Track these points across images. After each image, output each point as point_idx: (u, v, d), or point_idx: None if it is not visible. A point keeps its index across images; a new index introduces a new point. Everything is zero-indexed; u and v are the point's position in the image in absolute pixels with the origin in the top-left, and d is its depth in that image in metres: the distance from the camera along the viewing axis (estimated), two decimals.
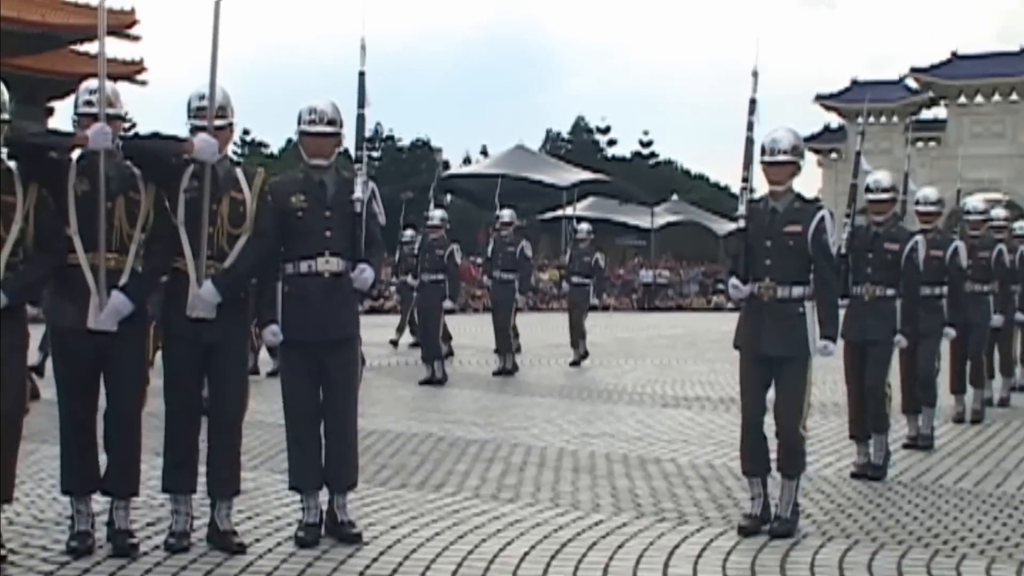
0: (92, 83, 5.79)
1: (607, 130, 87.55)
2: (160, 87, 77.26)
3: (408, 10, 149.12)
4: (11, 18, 38.78)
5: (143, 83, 47.72)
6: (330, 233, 6.08)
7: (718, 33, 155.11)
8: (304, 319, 6.06)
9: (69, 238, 5.59)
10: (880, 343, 8.15)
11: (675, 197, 66.03)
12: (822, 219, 6.46)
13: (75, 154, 5.71)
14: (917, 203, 9.63)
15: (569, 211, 46.79)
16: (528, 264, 16.55)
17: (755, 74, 6.67)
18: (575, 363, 17.01)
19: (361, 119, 6.38)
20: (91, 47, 45.26)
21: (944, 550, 6.01)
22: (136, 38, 45.75)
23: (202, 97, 5.92)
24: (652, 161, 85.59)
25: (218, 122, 5.89)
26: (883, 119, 59.32)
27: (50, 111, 46.76)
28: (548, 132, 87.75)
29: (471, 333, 18.01)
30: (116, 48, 46.11)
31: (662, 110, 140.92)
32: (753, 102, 6.65)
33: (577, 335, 17.22)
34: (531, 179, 47.86)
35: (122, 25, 44.78)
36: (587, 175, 53.60)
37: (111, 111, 5.72)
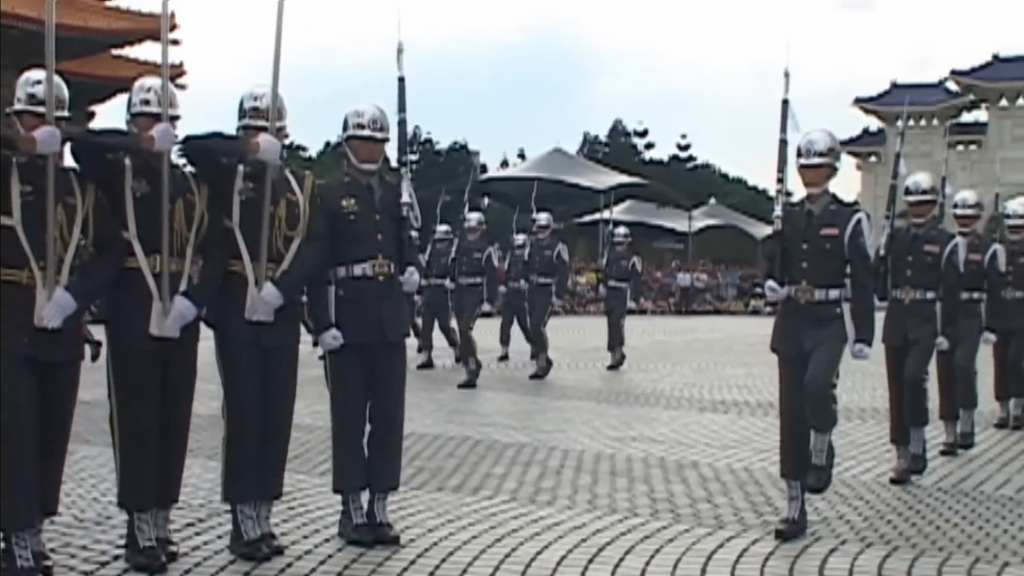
0: (147, 81, 5.71)
1: (645, 133, 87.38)
2: (199, 90, 77.71)
3: (444, 13, 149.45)
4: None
5: (183, 87, 48.04)
6: (380, 236, 6.11)
7: (756, 35, 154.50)
8: (360, 322, 6.04)
9: (127, 241, 5.45)
10: (921, 341, 8.10)
11: (713, 200, 65.80)
12: (859, 222, 6.42)
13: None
14: (955, 206, 9.56)
15: (606, 214, 46.69)
16: (565, 268, 16.54)
17: (787, 75, 6.67)
18: (612, 367, 16.99)
19: (402, 124, 6.38)
20: (132, 51, 45.71)
21: (985, 557, 5.95)
22: (176, 42, 46.03)
23: (256, 98, 5.87)
24: (690, 164, 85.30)
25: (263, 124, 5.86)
26: (923, 122, 58.95)
27: (91, 115, 47.15)
28: (585, 135, 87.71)
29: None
30: (156, 52, 46.45)
31: (700, 113, 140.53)
32: (786, 103, 6.64)
33: (615, 340, 17.19)
34: (568, 182, 47.87)
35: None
36: (624, 178, 53.55)
37: (171, 111, 5.62)
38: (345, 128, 6.16)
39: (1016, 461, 8.99)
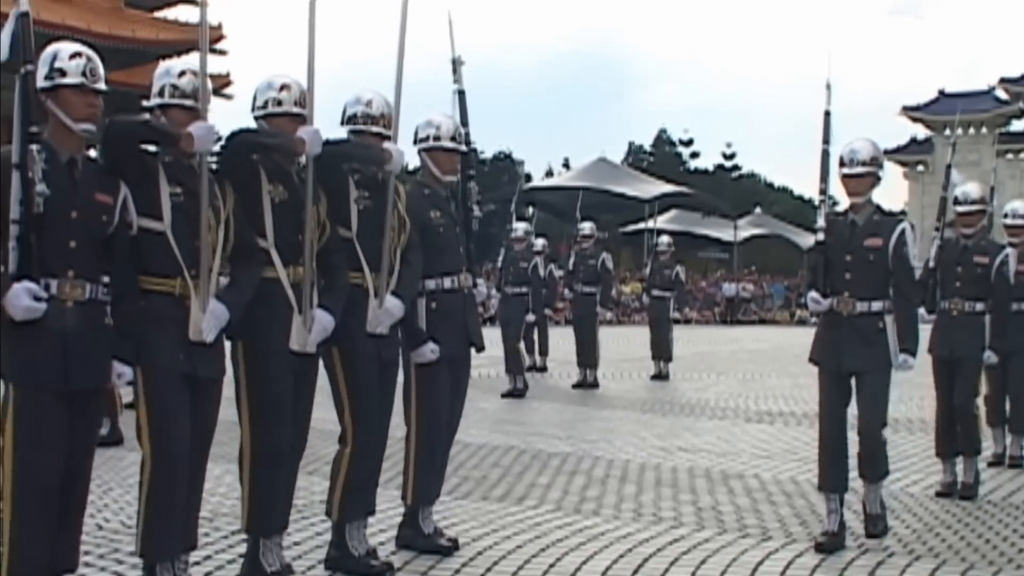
0: (174, 65, 5.18)
1: (690, 142, 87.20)
2: (245, 100, 78.27)
3: (489, 23, 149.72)
4: (103, 34, 39.70)
5: (230, 97, 48.48)
6: (463, 249, 6.15)
7: (802, 43, 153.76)
8: (453, 334, 6.04)
9: (264, 250, 5.11)
10: (967, 359, 8.01)
11: (758, 210, 65.46)
12: (903, 232, 6.37)
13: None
14: (1005, 216, 9.43)
15: (651, 224, 46.63)
16: (609, 277, 16.52)
17: (828, 86, 6.62)
18: (656, 376, 16.94)
19: (466, 136, 6.29)
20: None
21: None
22: (223, 52, 46.50)
23: (367, 103, 5.72)
24: (735, 173, 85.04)
25: (385, 131, 5.70)
26: (971, 130, 58.45)
27: None
28: (630, 145, 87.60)
29: (552, 345, 17.98)
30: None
31: (745, 122, 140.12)
32: (827, 115, 6.60)
33: (663, 354, 17.13)
34: (613, 192, 47.75)
35: (210, 40, 45.46)
36: (669, 188, 53.35)
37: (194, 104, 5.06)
38: (424, 140, 6.08)
39: None
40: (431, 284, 6.00)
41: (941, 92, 60.96)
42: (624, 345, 23.64)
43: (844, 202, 6.63)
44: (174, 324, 4.70)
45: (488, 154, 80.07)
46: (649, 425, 11.64)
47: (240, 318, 4.91)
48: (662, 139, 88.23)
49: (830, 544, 6.23)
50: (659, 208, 50.42)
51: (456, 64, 6.36)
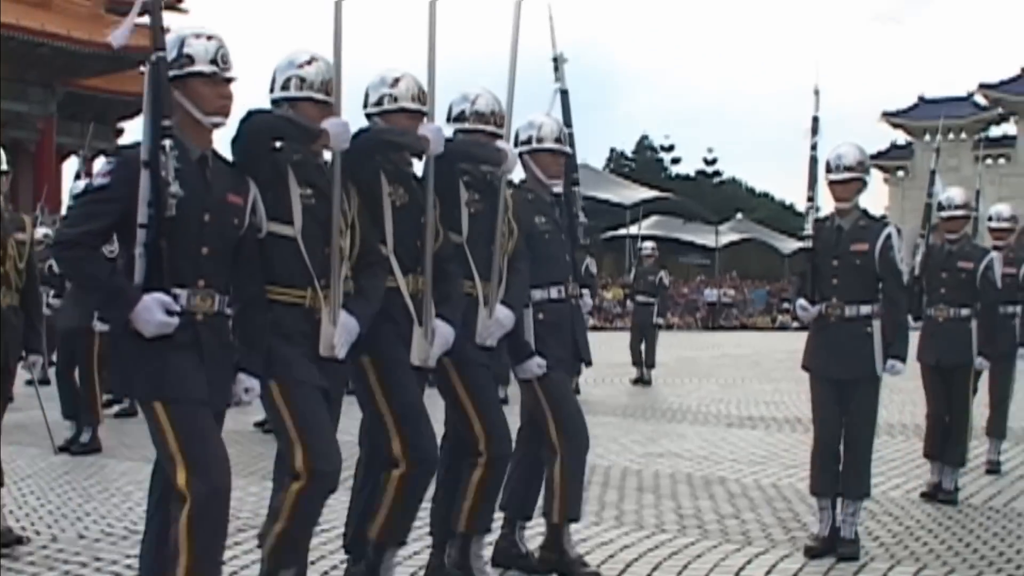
0: (296, 55, 4.59)
1: (671, 148, 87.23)
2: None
3: (473, 30, 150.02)
4: (82, 40, 39.54)
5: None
6: (568, 257, 5.82)
7: (783, 50, 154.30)
8: (561, 348, 5.66)
9: (385, 257, 4.75)
10: (957, 367, 8.01)
11: (740, 215, 65.66)
12: (889, 236, 6.38)
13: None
14: (990, 219, 9.47)
15: (633, 229, 46.61)
16: (593, 282, 16.53)
17: (816, 92, 6.63)
18: (636, 381, 17.01)
19: (570, 138, 5.95)
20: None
21: (1017, 574, 5.90)
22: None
23: (475, 99, 5.36)
24: (716, 179, 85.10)
25: (497, 130, 5.36)
26: (951, 136, 58.65)
27: (119, 131, 47.54)
28: (612, 151, 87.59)
29: None
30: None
31: (726, 128, 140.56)
32: (815, 120, 6.61)
33: (647, 360, 17.22)
34: (595, 197, 47.80)
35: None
36: (651, 193, 53.48)
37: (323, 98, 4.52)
38: (526, 142, 5.72)
39: None
40: (538, 294, 5.62)
41: (921, 98, 61.21)
42: (606, 351, 23.62)
43: (827, 207, 6.65)
44: (303, 338, 4.34)
45: None
46: (631, 430, 11.64)
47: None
48: (643, 145, 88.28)
49: (820, 549, 6.21)
50: (641, 214, 50.50)
51: (558, 62, 6.05)
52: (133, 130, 43.48)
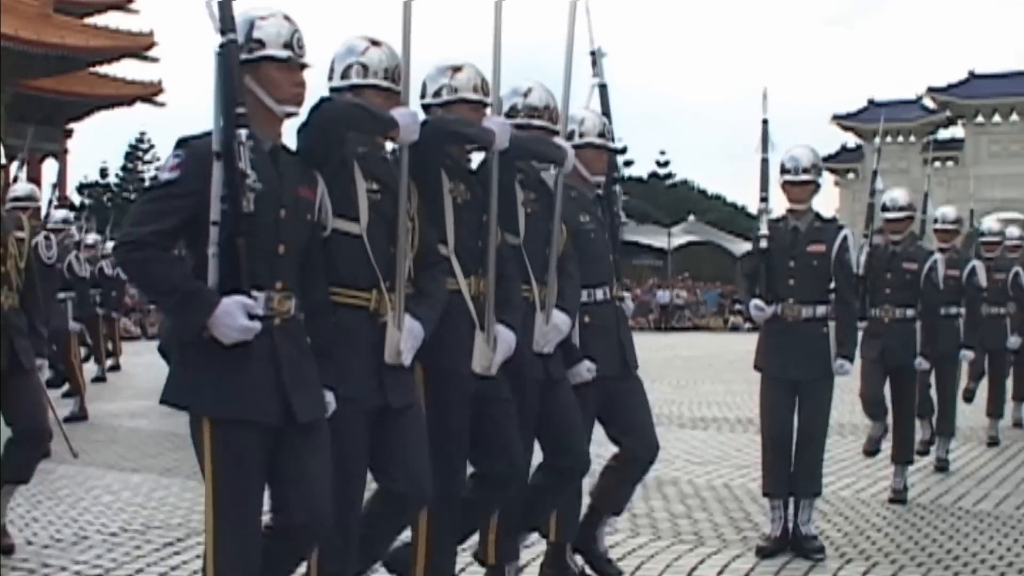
0: (355, 43, 4.26)
1: (623, 150, 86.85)
2: (177, 109, 77.43)
3: (427, 37, 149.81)
4: (31, 40, 39.14)
5: (162, 104, 48.04)
6: (612, 258, 5.62)
7: (736, 53, 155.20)
8: (607, 352, 5.39)
9: (445, 258, 4.43)
10: (903, 368, 8.06)
11: (692, 217, 65.92)
12: (845, 238, 6.44)
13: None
14: (935, 222, 9.58)
15: None
16: None
17: (765, 96, 6.66)
18: None
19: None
20: (110, 69, 45.67)
21: (964, 573, 5.96)
22: (155, 60, 46.05)
23: (527, 93, 5.03)
24: (669, 182, 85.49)
25: (551, 126, 5.07)
26: (900, 139, 59.26)
27: (69, 132, 47.10)
28: None
29: None
30: (135, 70, 46.43)
31: (679, 130, 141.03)
32: (765, 123, 6.64)
33: None
34: None
35: (141, 47, 45.15)
36: None
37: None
38: (568, 137, 5.33)
39: (993, 477, 9.03)
40: (583, 296, 5.29)
41: (871, 101, 61.73)
42: None
43: (779, 209, 6.67)
44: (367, 345, 4.02)
45: None
46: None
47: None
48: None
49: (772, 549, 6.24)
50: None
51: (597, 56, 5.73)
52: (84, 131, 43.09)
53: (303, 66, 3.77)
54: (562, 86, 5.01)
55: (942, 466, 9.19)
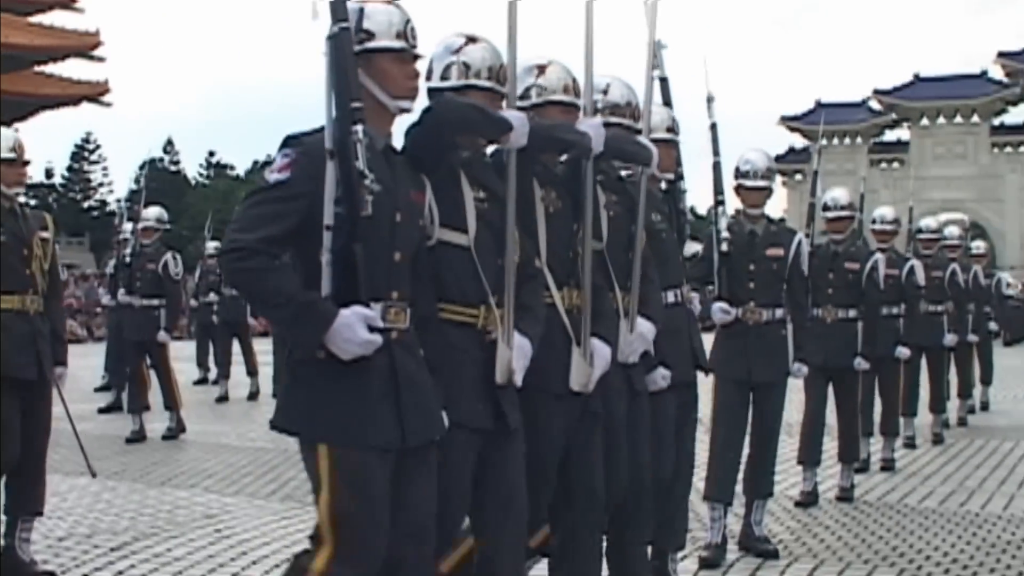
0: (451, 41, 3.93)
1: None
2: (124, 108, 76.90)
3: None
4: None
5: (108, 104, 47.63)
6: (681, 258, 5.47)
7: (682, 53, 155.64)
8: (680, 357, 5.18)
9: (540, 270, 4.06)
10: (846, 369, 8.04)
11: None
12: (800, 243, 6.47)
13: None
14: (874, 222, 9.63)
15: None
16: None
17: (710, 99, 6.46)
18: None
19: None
20: (56, 68, 45.23)
21: (910, 569, 6.02)
22: (101, 59, 45.66)
23: (607, 90, 4.67)
24: None
25: (634, 124, 4.76)
26: (847, 140, 59.84)
27: None
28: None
29: None
30: (81, 69, 45.97)
31: None
32: (714, 127, 6.55)
33: None
34: None
35: (86, 46, 44.75)
36: None
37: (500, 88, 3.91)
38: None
39: (938, 474, 9.12)
40: None
41: (818, 102, 62.26)
42: None
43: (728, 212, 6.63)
44: (477, 365, 3.70)
45: None
46: None
47: None
48: None
49: (715, 557, 6.13)
50: None
51: (657, 49, 5.26)
52: (29, 131, 42.60)
53: (416, 57, 3.49)
54: (644, 82, 4.76)
55: (888, 465, 9.26)
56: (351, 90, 3.24)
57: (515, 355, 3.73)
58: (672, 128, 5.30)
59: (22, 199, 6.22)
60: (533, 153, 3.94)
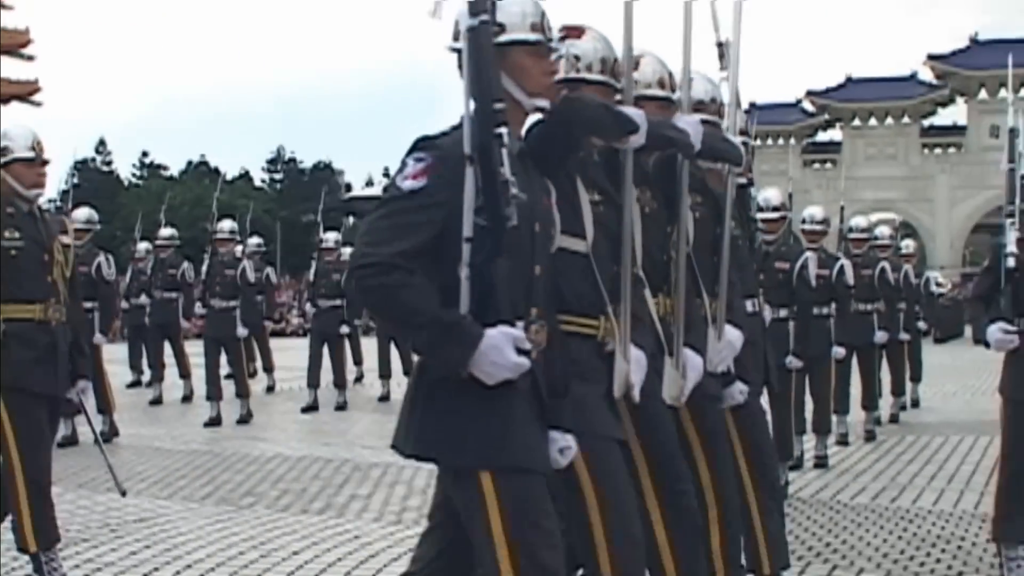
0: (584, 43, 3.76)
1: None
2: (54, 108, 75.82)
3: (317, 42, 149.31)
4: None
5: (39, 104, 46.96)
6: (754, 266, 5.12)
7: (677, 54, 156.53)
8: (756, 369, 4.98)
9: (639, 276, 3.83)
10: (777, 370, 8.12)
11: None
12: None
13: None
14: (803, 222, 9.70)
15: None
16: None
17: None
18: None
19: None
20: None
21: (843, 565, 6.09)
22: (30, 58, 45.03)
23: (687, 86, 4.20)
24: None
25: (717, 120, 4.53)
26: (780, 141, 60.31)
27: None
28: None
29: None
30: (10, 68, 45.28)
31: None
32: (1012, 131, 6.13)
33: None
34: None
35: (16, 44, 44.12)
36: None
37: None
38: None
39: (870, 471, 9.23)
40: None
41: (752, 104, 62.72)
42: None
43: None
44: (598, 378, 3.51)
45: (307, 164, 79.46)
46: None
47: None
48: None
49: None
50: None
51: (724, 48, 4.81)
52: None
53: (552, 51, 3.25)
54: (730, 81, 4.51)
55: (821, 462, 9.36)
56: (493, 90, 2.96)
57: (633, 368, 3.55)
58: (745, 130, 5.02)
59: (42, 202, 5.83)
60: (640, 152, 3.71)
